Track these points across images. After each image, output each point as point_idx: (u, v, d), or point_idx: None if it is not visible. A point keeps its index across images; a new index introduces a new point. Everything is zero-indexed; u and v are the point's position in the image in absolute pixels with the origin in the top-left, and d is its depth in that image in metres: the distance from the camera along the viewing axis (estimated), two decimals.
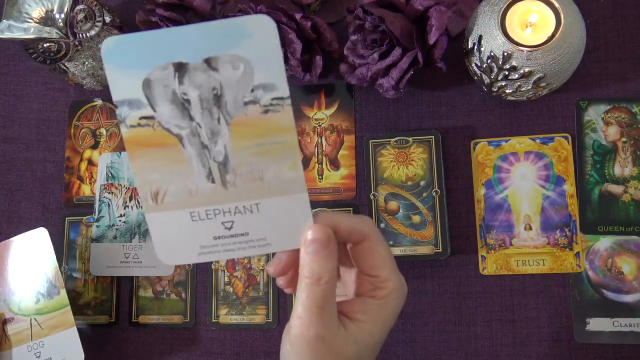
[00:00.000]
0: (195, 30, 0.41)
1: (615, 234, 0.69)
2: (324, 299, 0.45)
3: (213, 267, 0.78)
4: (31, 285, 0.74)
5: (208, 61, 0.42)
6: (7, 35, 0.74)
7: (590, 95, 0.73)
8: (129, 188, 0.81)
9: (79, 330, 0.72)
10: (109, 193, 0.81)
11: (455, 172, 0.75)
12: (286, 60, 0.75)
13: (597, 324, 0.68)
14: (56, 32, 0.74)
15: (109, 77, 0.42)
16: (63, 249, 0.82)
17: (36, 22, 0.74)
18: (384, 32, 0.70)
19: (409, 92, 0.77)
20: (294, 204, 0.45)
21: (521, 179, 0.72)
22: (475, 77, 0.70)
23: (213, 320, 0.77)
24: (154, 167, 0.44)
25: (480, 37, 0.66)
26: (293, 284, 0.48)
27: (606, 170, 0.70)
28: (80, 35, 0.76)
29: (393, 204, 0.74)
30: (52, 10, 0.74)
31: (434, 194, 0.73)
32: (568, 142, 0.72)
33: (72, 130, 0.85)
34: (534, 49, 0.63)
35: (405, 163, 0.75)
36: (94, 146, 0.84)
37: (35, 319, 0.74)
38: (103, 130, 0.85)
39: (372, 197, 0.75)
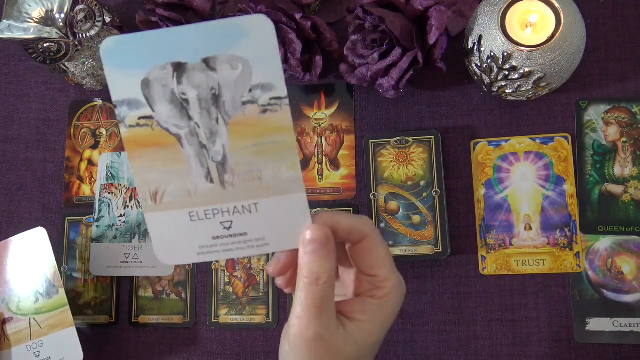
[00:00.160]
0: (194, 30, 0.41)
1: (615, 234, 0.69)
2: (323, 299, 0.45)
3: (213, 267, 0.78)
4: (30, 284, 0.74)
5: (206, 61, 0.42)
6: (7, 35, 0.74)
7: (590, 95, 0.73)
8: (129, 188, 0.81)
9: (78, 330, 0.73)
10: (109, 193, 0.81)
11: (455, 172, 0.75)
12: (286, 60, 0.75)
13: (597, 324, 0.68)
14: (56, 32, 0.74)
15: (108, 77, 0.42)
16: (63, 249, 0.82)
17: (36, 22, 0.74)
18: (384, 32, 0.70)
19: (409, 92, 0.77)
20: (293, 204, 0.45)
21: (521, 179, 0.72)
22: (475, 77, 0.70)
23: (213, 320, 0.77)
24: (153, 167, 0.44)
25: (480, 37, 0.66)
26: (292, 284, 0.48)
27: (606, 170, 0.70)
28: (80, 35, 0.77)
29: (393, 204, 0.74)
30: (52, 10, 0.74)
31: (434, 194, 0.73)
32: (568, 142, 0.72)
33: (72, 130, 0.85)
34: (534, 49, 0.63)
35: (405, 163, 0.75)
36: (94, 146, 0.85)
37: (34, 318, 0.74)
38: (103, 130, 0.85)
39: (372, 197, 0.75)
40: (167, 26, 0.75)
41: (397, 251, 0.73)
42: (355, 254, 0.48)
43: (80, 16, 0.76)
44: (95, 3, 0.77)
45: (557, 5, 0.63)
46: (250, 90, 0.42)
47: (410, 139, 0.75)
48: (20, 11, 0.74)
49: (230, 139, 0.43)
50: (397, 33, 0.68)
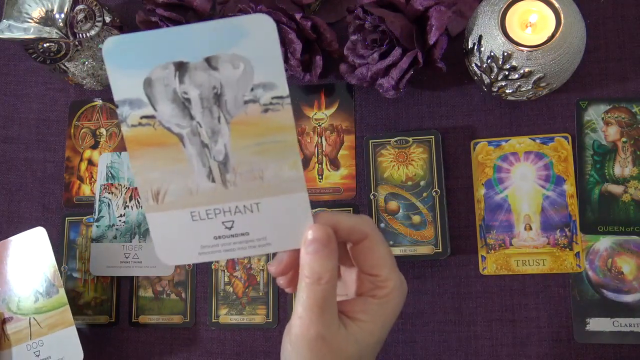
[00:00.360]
0: (196, 29, 0.41)
1: (615, 234, 0.69)
2: (325, 299, 0.45)
3: (213, 267, 0.78)
4: (30, 284, 0.74)
5: (208, 60, 0.42)
6: (7, 35, 0.74)
7: (590, 95, 0.73)
8: (129, 188, 0.81)
9: (78, 330, 0.73)
10: (109, 193, 0.81)
11: (455, 172, 0.75)
12: (286, 60, 0.75)
13: (597, 324, 0.68)
14: (56, 32, 0.74)
15: (110, 77, 0.42)
16: (63, 249, 0.82)
17: (36, 22, 0.74)
18: (384, 32, 0.70)
19: (409, 92, 0.77)
20: (294, 204, 0.45)
21: (521, 179, 0.72)
22: (475, 77, 0.70)
23: (213, 320, 0.77)
24: (155, 167, 0.44)
25: (480, 37, 0.66)
26: (293, 284, 0.48)
27: (606, 170, 0.70)
28: (80, 35, 0.77)
29: (393, 204, 0.74)
30: (52, 10, 0.74)
31: (434, 194, 0.73)
32: (568, 142, 0.72)
33: (72, 130, 0.85)
34: (534, 49, 0.63)
35: (405, 163, 0.75)
36: (94, 146, 0.84)
37: (34, 318, 0.74)
38: (103, 130, 0.85)
39: (372, 197, 0.75)
40: (167, 26, 0.74)
41: (397, 251, 0.73)
42: (357, 254, 0.48)
43: (80, 16, 0.76)
44: (95, 3, 0.77)
45: (557, 5, 0.64)
46: (252, 90, 0.42)
47: (410, 139, 0.75)
48: (20, 11, 0.74)
49: (232, 138, 0.43)
50: (397, 33, 0.68)
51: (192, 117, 0.43)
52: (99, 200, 0.81)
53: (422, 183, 0.74)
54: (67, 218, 0.83)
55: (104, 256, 0.80)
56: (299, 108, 0.79)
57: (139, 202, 0.80)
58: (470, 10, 0.74)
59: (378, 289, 0.48)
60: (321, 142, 0.79)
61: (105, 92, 0.86)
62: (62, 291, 0.73)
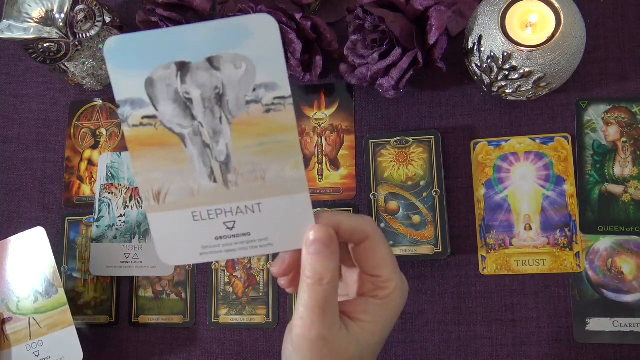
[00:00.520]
0: (198, 29, 0.41)
1: (615, 234, 0.70)
2: (326, 299, 0.45)
3: (213, 267, 0.78)
4: (29, 284, 0.74)
5: (210, 60, 0.42)
6: (7, 35, 0.74)
7: (590, 95, 0.73)
8: (129, 188, 0.81)
9: (78, 330, 0.72)
10: (109, 193, 0.81)
11: (455, 172, 0.75)
12: (286, 60, 0.75)
13: (597, 324, 0.68)
14: (56, 32, 0.74)
15: (111, 77, 0.42)
16: (63, 249, 0.82)
17: (36, 22, 0.74)
18: (384, 32, 0.70)
19: (409, 92, 0.77)
20: (296, 204, 0.45)
21: (521, 179, 0.72)
22: (475, 77, 0.70)
23: (213, 320, 0.77)
24: (156, 167, 0.44)
25: (480, 37, 0.66)
26: (295, 284, 0.48)
27: (606, 170, 0.70)
28: (80, 35, 0.76)
29: (393, 204, 0.74)
30: (52, 10, 0.74)
31: (434, 194, 0.73)
32: (568, 142, 0.72)
33: (72, 130, 0.85)
34: (534, 49, 0.63)
35: (405, 163, 0.75)
36: (94, 146, 0.84)
37: (33, 318, 0.74)
38: (103, 130, 0.85)
39: (372, 197, 0.75)
40: (167, 26, 0.74)
41: (397, 251, 0.73)
42: (358, 254, 0.48)
43: (80, 16, 0.76)
44: (95, 3, 0.77)
45: (557, 5, 0.64)
46: (254, 90, 0.42)
47: (410, 139, 0.75)
48: (20, 11, 0.74)
49: (233, 139, 0.43)
50: (397, 33, 0.68)
51: (193, 117, 0.43)
52: (99, 200, 0.81)
53: (422, 183, 0.74)
54: (67, 218, 0.83)
55: (104, 256, 0.79)
56: (299, 108, 0.79)
57: (139, 202, 0.80)
58: (470, 10, 0.74)
59: (379, 289, 0.48)
60: (321, 142, 0.79)
61: (105, 92, 0.86)
62: (61, 291, 0.73)
